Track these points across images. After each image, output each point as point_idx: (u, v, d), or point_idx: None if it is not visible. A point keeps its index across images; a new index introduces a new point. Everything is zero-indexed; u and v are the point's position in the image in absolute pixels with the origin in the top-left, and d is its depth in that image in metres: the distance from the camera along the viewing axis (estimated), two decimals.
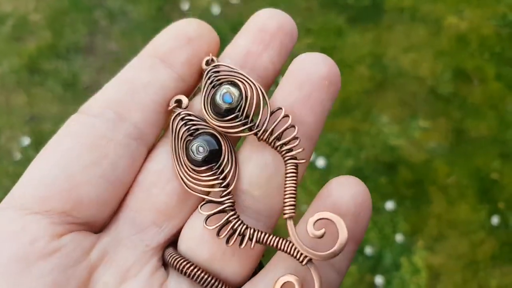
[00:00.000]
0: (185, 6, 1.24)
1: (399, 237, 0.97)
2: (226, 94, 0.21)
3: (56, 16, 1.24)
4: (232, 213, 0.21)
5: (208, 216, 0.21)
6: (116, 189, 0.21)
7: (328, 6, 1.24)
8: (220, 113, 0.21)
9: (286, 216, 0.20)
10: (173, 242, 0.22)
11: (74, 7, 1.25)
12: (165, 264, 0.22)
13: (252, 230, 0.20)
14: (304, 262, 0.20)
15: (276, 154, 0.21)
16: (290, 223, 0.20)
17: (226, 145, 0.22)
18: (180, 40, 0.23)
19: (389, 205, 0.99)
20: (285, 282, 0.20)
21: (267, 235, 0.20)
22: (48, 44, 1.19)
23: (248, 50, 0.23)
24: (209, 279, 0.21)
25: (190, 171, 0.21)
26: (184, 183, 0.21)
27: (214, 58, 0.23)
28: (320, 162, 1.03)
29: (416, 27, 1.21)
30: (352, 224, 0.20)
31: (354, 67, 1.15)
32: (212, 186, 0.21)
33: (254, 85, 0.22)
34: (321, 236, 0.19)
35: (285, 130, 0.21)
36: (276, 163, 0.22)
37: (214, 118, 0.22)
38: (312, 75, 0.21)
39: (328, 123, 1.23)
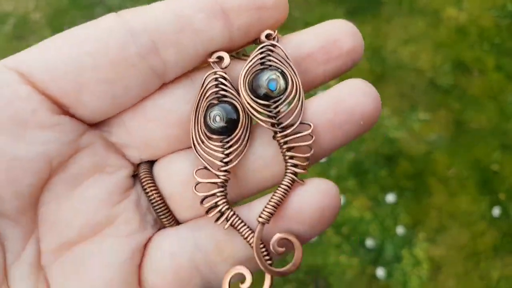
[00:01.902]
0: None
1: (400, 230, 0.97)
2: (273, 81, 0.21)
3: (56, 15, 1.24)
4: (221, 189, 0.21)
5: (198, 183, 0.21)
6: (119, 107, 0.21)
7: None
8: (256, 92, 0.21)
9: (260, 220, 0.21)
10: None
11: (73, 5, 1.26)
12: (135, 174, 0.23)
13: (231, 213, 0.21)
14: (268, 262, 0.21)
15: (278, 152, 0.21)
16: (260, 228, 0.21)
17: (244, 120, 0.21)
18: (254, 2, 0.20)
19: (390, 197, 0.99)
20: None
21: (242, 224, 0.21)
22: None
23: (310, 53, 0.21)
24: (164, 211, 0.22)
25: (202, 135, 0.21)
26: (193, 143, 0.21)
27: (278, 36, 0.21)
28: None
29: (415, 19, 1.20)
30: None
31: None
32: (215, 156, 0.21)
33: (300, 89, 0.21)
34: (282, 253, 0.21)
35: (300, 146, 0.21)
36: (275, 159, 0.22)
37: (247, 94, 0.21)
38: (352, 109, 0.21)
39: None
